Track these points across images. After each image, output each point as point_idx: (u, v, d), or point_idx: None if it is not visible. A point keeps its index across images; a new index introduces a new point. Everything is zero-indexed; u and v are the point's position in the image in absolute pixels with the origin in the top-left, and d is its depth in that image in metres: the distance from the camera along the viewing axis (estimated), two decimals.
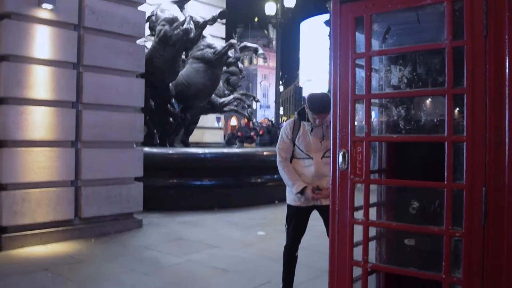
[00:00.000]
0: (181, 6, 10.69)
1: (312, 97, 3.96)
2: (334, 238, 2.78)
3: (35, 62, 6.25)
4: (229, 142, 17.45)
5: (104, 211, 6.90)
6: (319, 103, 3.84)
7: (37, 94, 6.25)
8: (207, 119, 14.54)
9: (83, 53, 6.69)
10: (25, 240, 6.07)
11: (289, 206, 4.11)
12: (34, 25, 6.23)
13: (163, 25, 9.93)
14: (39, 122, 6.24)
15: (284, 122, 19.85)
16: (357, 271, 2.68)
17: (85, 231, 6.64)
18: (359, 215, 2.71)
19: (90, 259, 5.63)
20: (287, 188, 4.08)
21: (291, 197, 4.06)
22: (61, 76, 6.45)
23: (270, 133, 17.40)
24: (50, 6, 6.24)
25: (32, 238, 6.14)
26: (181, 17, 10.06)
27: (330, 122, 3.87)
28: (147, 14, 9.17)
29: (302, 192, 3.86)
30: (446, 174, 2.32)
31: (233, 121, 58.91)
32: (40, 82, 6.26)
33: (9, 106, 6.04)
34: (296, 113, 4.17)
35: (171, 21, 9.93)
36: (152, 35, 10.54)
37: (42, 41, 6.29)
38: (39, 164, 6.24)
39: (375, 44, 2.81)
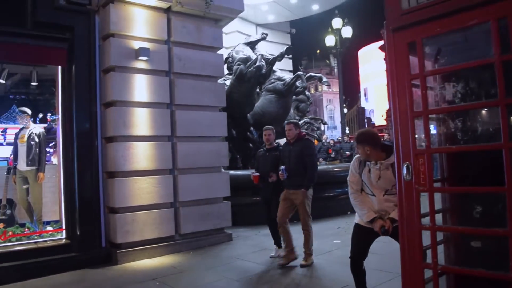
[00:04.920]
0: (252, 47, 10.92)
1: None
2: (404, 243, 2.69)
3: (136, 105, 6.60)
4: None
5: (199, 228, 7.05)
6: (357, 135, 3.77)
7: (139, 131, 6.57)
8: (282, 143, 14.57)
9: (174, 94, 6.98)
10: (136, 254, 6.34)
11: (356, 225, 3.91)
12: (133, 74, 6.60)
13: (239, 64, 10.16)
14: (142, 155, 6.55)
15: (346, 138, 19.06)
16: (427, 273, 2.57)
17: (184, 245, 6.83)
18: (426, 221, 2.61)
19: (189, 269, 5.76)
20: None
21: (358, 216, 3.87)
22: (157, 115, 6.75)
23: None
24: (145, 58, 6.60)
25: (141, 252, 6.39)
26: (253, 56, 10.26)
27: (391, 164, 3.55)
28: (224, 56, 9.43)
29: (372, 221, 3.67)
30: (506, 178, 2.19)
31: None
32: (141, 121, 6.59)
33: (118, 143, 6.40)
34: None
35: (245, 60, 10.14)
36: (229, 74, 10.80)
37: (141, 87, 6.64)
38: (143, 190, 6.52)
39: (428, 65, 2.73)
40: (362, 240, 3.83)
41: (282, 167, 5.58)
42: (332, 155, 16.48)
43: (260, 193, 6.24)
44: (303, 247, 5.73)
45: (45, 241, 6.19)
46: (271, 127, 6.28)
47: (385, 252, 5.15)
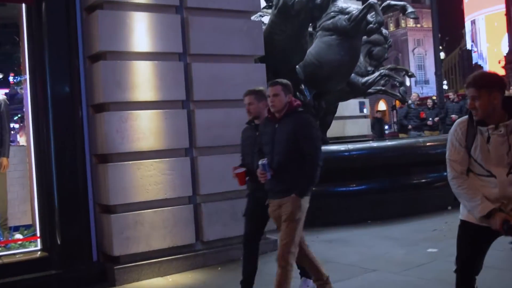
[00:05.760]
0: None
1: None
2: None
3: (134, 57, 6.68)
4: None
5: (230, 232, 7.10)
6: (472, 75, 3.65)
7: (141, 95, 6.65)
8: (348, 106, 14.43)
9: (189, 39, 7.00)
10: (141, 271, 6.48)
11: (462, 223, 3.83)
12: (129, 13, 6.64)
13: None
14: (146, 128, 6.63)
15: (452, 95, 18.43)
16: None
17: (209, 258, 6.93)
18: None
19: None
20: None
21: (466, 210, 3.77)
22: (166, 71, 6.81)
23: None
24: None
25: (148, 268, 6.53)
26: None
27: None
28: None
29: (488, 215, 3.53)
30: None
31: (381, 105, 57.97)
32: (143, 80, 6.66)
33: (111, 113, 6.49)
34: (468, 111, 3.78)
35: None
36: (268, 6, 10.70)
37: (140, 31, 6.68)
38: (150, 179, 6.62)
39: None
40: (473, 246, 3.76)
41: (263, 161, 4.76)
42: (429, 122, 16.12)
43: (248, 199, 5.70)
44: None
45: (13, 254, 6.41)
46: (259, 89, 5.43)
47: (506, 265, 5.08)
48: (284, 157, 4.72)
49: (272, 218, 5.06)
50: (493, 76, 3.71)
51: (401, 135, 17.21)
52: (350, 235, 8.00)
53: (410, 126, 16.02)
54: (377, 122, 19.46)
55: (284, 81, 4.99)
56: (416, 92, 18.02)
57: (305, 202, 4.78)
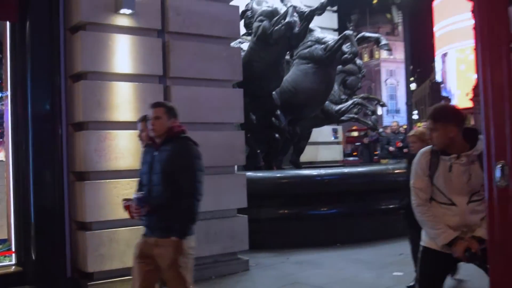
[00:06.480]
0: None
1: None
2: (498, 277, 2.69)
3: (115, 78, 6.68)
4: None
5: (203, 252, 7.04)
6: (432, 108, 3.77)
7: (120, 115, 6.64)
8: (321, 132, 14.54)
9: (170, 63, 7.03)
10: None
11: (424, 249, 3.88)
12: (112, 35, 6.65)
13: (261, 20, 10.10)
14: (123, 148, 6.61)
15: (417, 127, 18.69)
16: None
17: None
18: None
19: None
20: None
21: (428, 237, 3.84)
22: (146, 93, 6.80)
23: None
24: (129, 11, 6.62)
25: (122, 285, 6.42)
26: (282, 9, 10.19)
27: (477, 155, 3.53)
28: (242, 9, 9.39)
29: (450, 243, 3.61)
30: None
31: (354, 132, 58.18)
32: (123, 101, 6.65)
33: (90, 132, 6.48)
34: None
35: (271, 14, 10.07)
36: (248, 33, 10.77)
37: (122, 53, 6.70)
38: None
39: None
40: (434, 271, 3.81)
41: (137, 194, 4.23)
42: (406, 150, 16.27)
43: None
44: None
45: None
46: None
47: None
48: (162, 189, 4.18)
49: (136, 253, 4.41)
50: (451, 110, 3.82)
51: (382, 161, 17.33)
52: (320, 257, 8.01)
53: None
54: (365, 148, 19.32)
55: (169, 103, 4.58)
56: (397, 121, 18.06)
57: (189, 241, 4.21)
